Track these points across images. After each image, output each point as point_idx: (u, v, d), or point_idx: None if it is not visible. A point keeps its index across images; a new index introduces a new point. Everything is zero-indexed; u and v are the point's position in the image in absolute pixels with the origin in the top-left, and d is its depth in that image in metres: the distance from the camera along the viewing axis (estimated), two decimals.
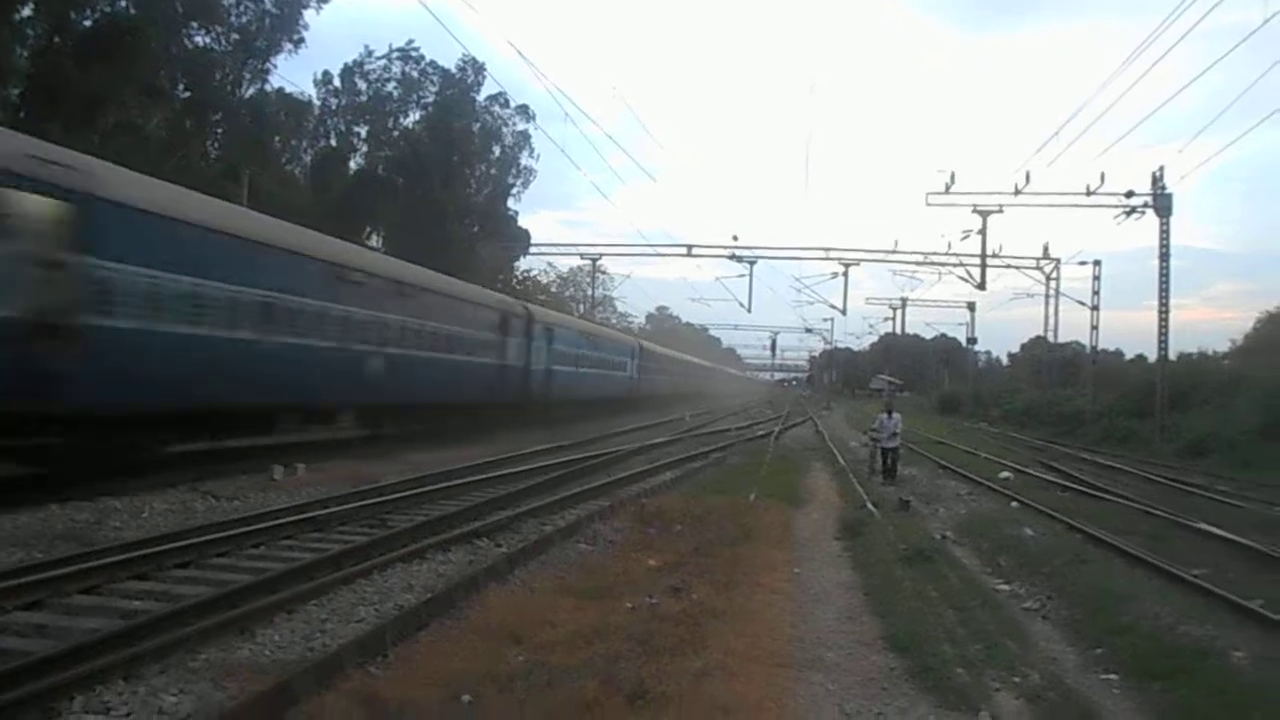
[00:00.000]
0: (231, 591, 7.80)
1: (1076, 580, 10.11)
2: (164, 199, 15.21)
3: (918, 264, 48.62)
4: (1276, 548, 11.91)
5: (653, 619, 7.72)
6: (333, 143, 54.03)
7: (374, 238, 51.16)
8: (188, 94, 39.39)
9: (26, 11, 32.68)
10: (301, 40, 42.98)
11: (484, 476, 16.85)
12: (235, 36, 41.00)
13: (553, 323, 36.18)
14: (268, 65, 42.66)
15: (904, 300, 67.77)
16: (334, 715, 5.47)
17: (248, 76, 42.34)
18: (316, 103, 52.15)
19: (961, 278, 45.18)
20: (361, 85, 55.77)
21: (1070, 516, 14.35)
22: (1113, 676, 7.06)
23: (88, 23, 34.19)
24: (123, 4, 35.13)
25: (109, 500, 12.68)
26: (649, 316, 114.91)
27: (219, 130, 41.34)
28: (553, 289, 73.38)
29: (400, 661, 6.57)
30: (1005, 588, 10.20)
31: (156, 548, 9.33)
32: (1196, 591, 9.69)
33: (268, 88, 43.25)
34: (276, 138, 44.98)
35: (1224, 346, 56.38)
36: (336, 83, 55.24)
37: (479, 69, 55.62)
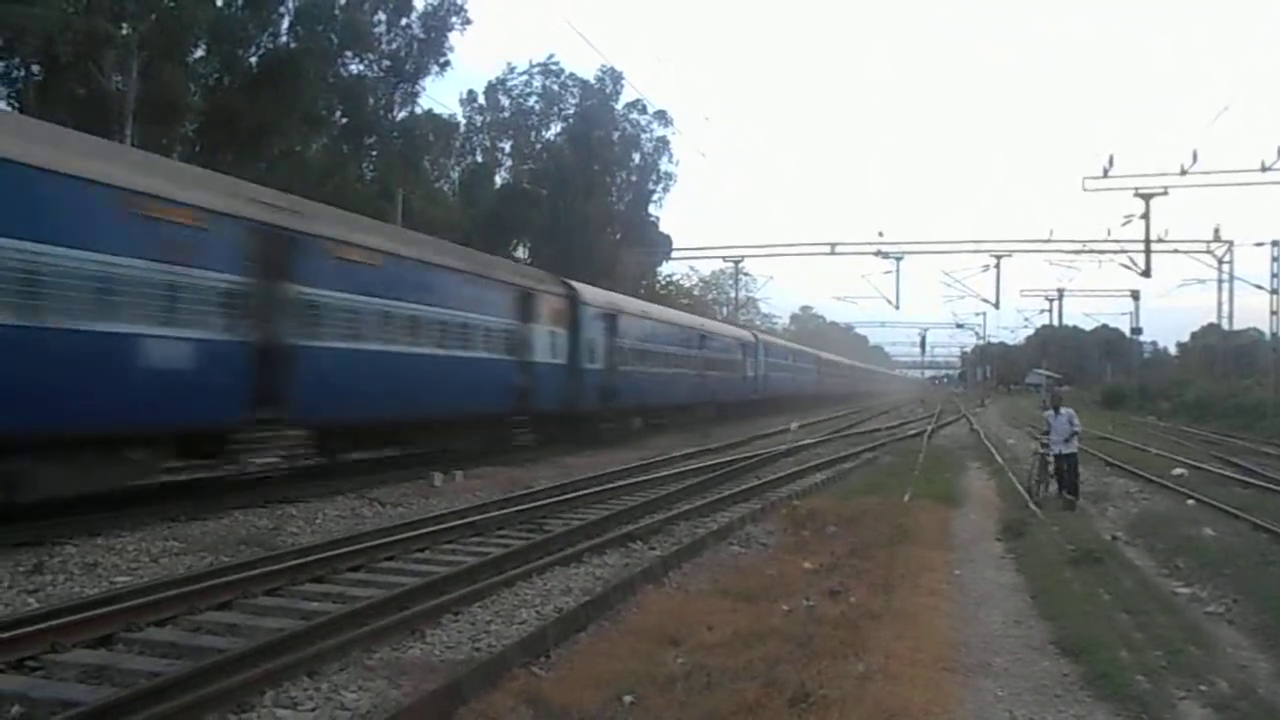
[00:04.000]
0: (401, 594, 8.14)
1: (1265, 583, 9.46)
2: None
3: (1075, 252, 46.39)
4: None
5: (811, 622, 7.65)
6: (479, 159, 55.80)
7: (520, 249, 52.48)
8: (344, 120, 41.39)
9: (199, 53, 35.04)
10: (448, 63, 44.70)
11: (634, 480, 17.05)
12: (386, 63, 42.88)
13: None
14: (417, 88, 44.46)
15: (1061, 291, 64.95)
16: (502, 713, 5.64)
17: (398, 100, 44.18)
18: (462, 121, 53.98)
19: (1124, 265, 42.80)
20: (504, 101, 57.44)
21: (1255, 515, 13.42)
22: None
23: (253, 59, 36.40)
24: (284, 39, 37.29)
25: (286, 507, 13.45)
26: (793, 317, 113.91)
27: (373, 153, 43.25)
28: (695, 292, 73.50)
29: (562, 662, 6.71)
30: (1185, 590, 9.65)
31: (331, 551, 9.84)
32: None
33: (417, 109, 45.03)
34: (426, 157, 46.68)
35: None
36: (481, 100, 57.12)
37: (617, 78, 56.49)
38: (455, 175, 53.24)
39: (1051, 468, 15.97)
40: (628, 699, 5.87)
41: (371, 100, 42.33)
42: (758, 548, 11.62)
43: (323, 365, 14.90)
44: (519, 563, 9.80)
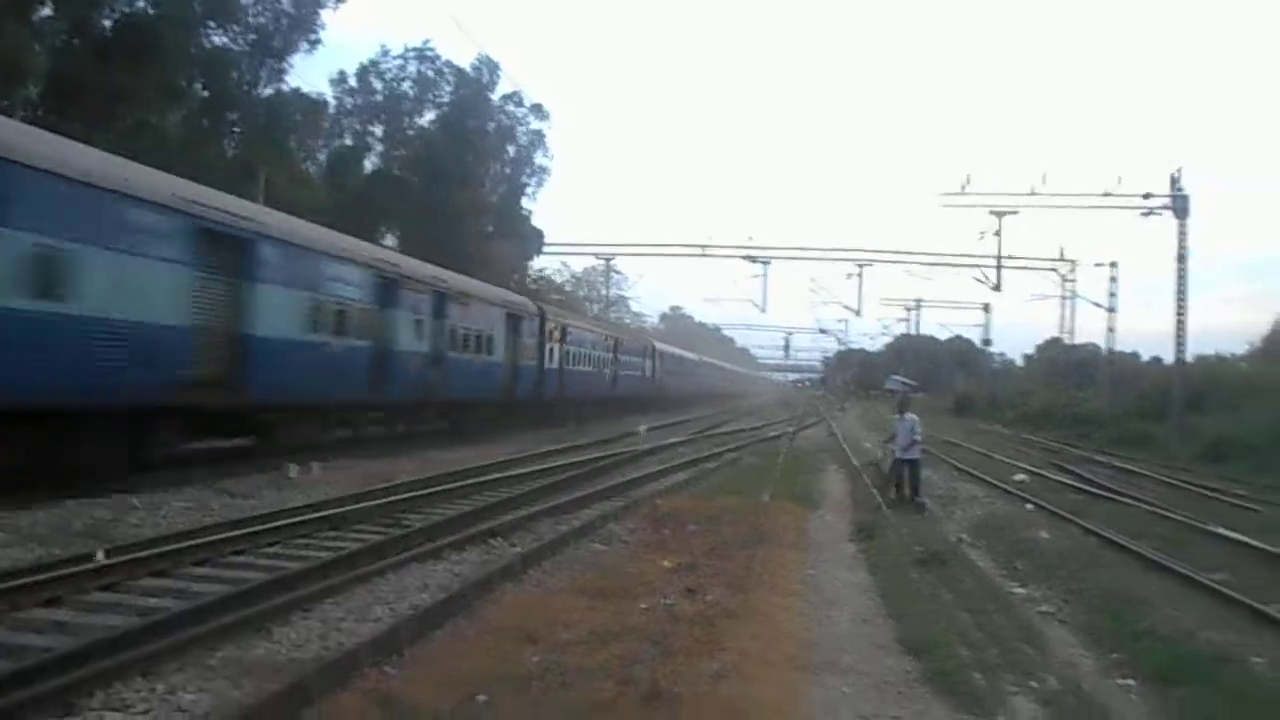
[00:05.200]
0: (248, 590, 7.84)
1: (1093, 584, 10.07)
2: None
3: (933, 265, 48.51)
4: None
5: (668, 620, 7.72)
6: (348, 142, 54.15)
7: (389, 237, 51.30)
8: (205, 93, 39.56)
9: (46, 11, 32.88)
10: (318, 40, 43.11)
11: (499, 476, 16.90)
12: (252, 36, 41.11)
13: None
14: (284, 65, 42.73)
15: (919, 301, 67.69)
16: (350, 714, 5.49)
17: (264, 76, 42.39)
18: (332, 102, 52.28)
19: (977, 279, 45.06)
20: (377, 85, 55.87)
21: (1086, 519, 14.27)
22: (1131, 682, 7.02)
23: (107, 22, 34.38)
24: (141, 4, 35.33)
25: (127, 497, 12.77)
26: (663, 316, 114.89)
27: (236, 130, 41.47)
28: (566, 288, 73.36)
29: (416, 661, 6.58)
30: (1021, 591, 10.16)
31: (174, 545, 9.40)
32: (1214, 596, 9.64)
33: (284, 87, 43.35)
34: (292, 137, 45.03)
35: (1242, 349, 56.00)
36: (352, 82, 55.37)
37: (494, 68, 55.72)
38: (323, 157, 51.60)
39: (892, 472, 16.34)
40: (482, 698, 5.80)
41: (235, 74, 40.54)
42: (619, 545, 11.67)
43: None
44: (375, 558, 9.58)
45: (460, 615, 7.80)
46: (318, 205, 40.48)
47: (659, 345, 58.27)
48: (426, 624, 7.34)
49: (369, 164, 53.19)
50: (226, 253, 15.79)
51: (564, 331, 35.39)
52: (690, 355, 70.38)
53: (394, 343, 21.53)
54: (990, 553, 12.27)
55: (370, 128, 55.71)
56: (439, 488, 14.80)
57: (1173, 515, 15.20)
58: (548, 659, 6.57)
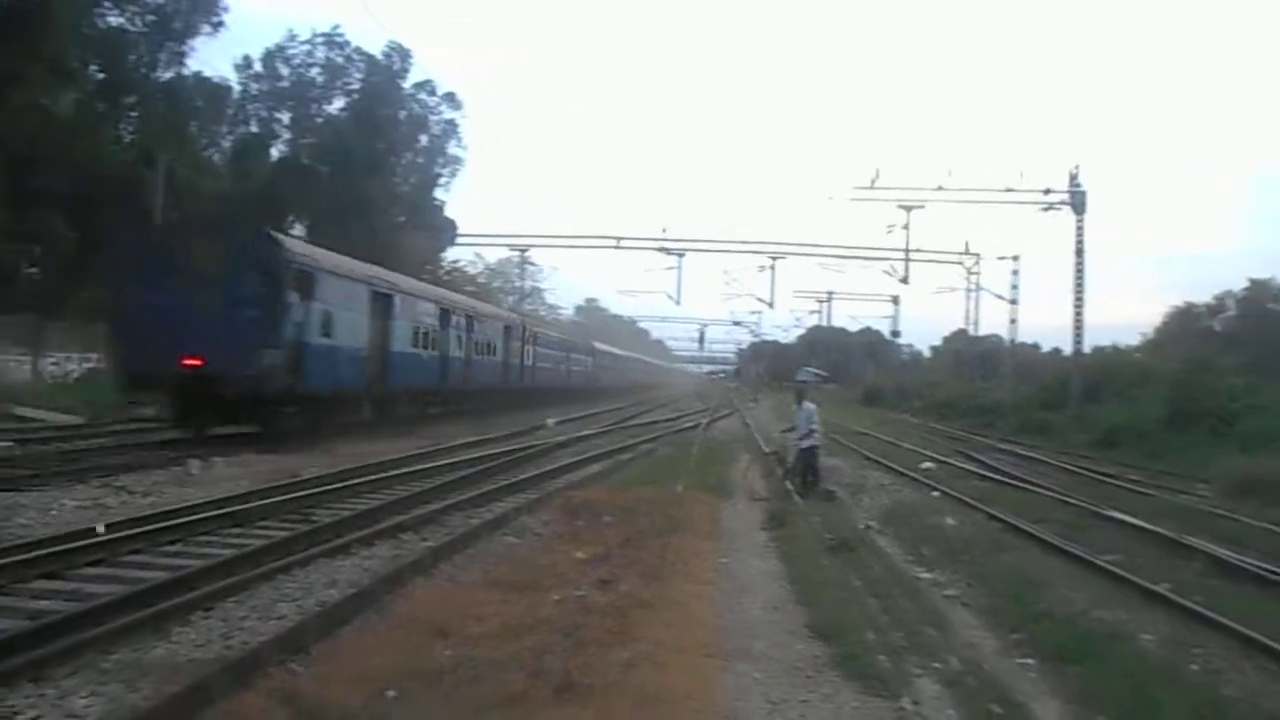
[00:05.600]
0: (146, 590, 7.58)
1: (996, 568, 10.39)
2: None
3: (844, 258, 49.38)
4: (1183, 534, 12.39)
5: (580, 611, 7.70)
6: (254, 129, 52.69)
7: (297, 226, 50.11)
8: (100, 75, 38.07)
9: None
10: (221, 23, 41.90)
11: (410, 469, 16.66)
12: (151, 17, 39.69)
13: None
14: (185, 48, 41.40)
15: (830, 294, 68.83)
16: (253, 714, 5.35)
17: (164, 59, 40.98)
18: (236, 88, 50.85)
19: (886, 272, 46.07)
20: (284, 70, 54.48)
21: (989, 505, 14.70)
22: (1030, 661, 7.26)
23: None
24: None
25: (14, 496, 12.23)
26: (578, 308, 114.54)
27: (133, 114, 40.00)
28: (480, 279, 72.57)
29: (323, 658, 6.45)
30: (927, 576, 10.41)
31: (67, 545, 9.03)
32: (1108, 577, 10.04)
33: (185, 71, 42.01)
34: (194, 123, 43.65)
35: (1137, 340, 58.45)
36: (258, 67, 53.90)
37: (405, 56, 54.87)
38: (227, 145, 50.12)
39: (798, 461, 16.27)
40: (391, 694, 5.71)
41: (133, 57, 39.11)
42: (532, 538, 11.61)
43: None
44: (281, 555, 9.36)
45: (369, 611, 7.68)
46: (222, 193, 39.38)
47: (598, 345, 65.98)
48: (334, 620, 7.20)
49: (276, 152, 51.89)
50: (380, 303, 25.07)
51: (535, 337, 45.20)
52: (621, 352, 78.61)
53: (448, 351, 30.78)
54: (898, 539, 12.54)
55: (277, 115, 54.30)
56: (349, 482, 14.51)
57: (1071, 500, 15.76)
58: (459, 653, 6.49)
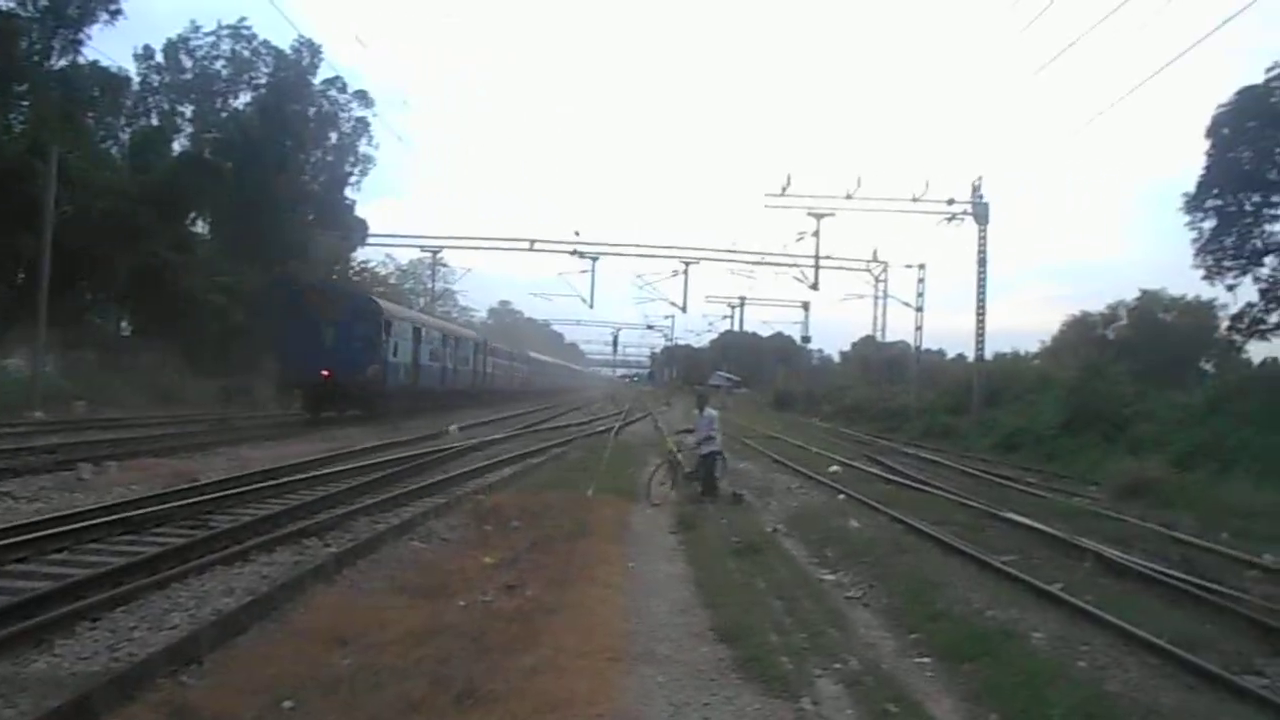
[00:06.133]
0: (27, 600, 7.26)
1: (896, 569, 10.61)
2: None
3: (755, 264, 49.99)
4: (1075, 535, 12.85)
5: (486, 616, 7.65)
6: (154, 121, 50.91)
7: (199, 224, 48.61)
8: None
9: None
10: (119, 11, 40.18)
11: (316, 473, 16.30)
12: (44, 3, 38.04)
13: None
14: (81, 36, 39.66)
15: (742, 299, 69.54)
16: None
17: (57, 47, 39.30)
18: (136, 79, 49.09)
19: (797, 278, 46.75)
20: (187, 62, 52.79)
21: (892, 508, 15.03)
22: (927, 660, 7.44)
23: None
24: None
25: None
26: (491, 311, 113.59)
27: (24, 103, 38.25)
28: (391, 281, 71.40)
29: (217, 669, 6.28)
30: (830, 577, 10.59)
31: None
32: (1004, 577, 10.35)
33: (81, 60, 40.35)
34: (90, 114, 41.98)
35: (1036, 347, 60.40)
36: (159, 58, 52.12)
37: (315, 51, 53.57)
38: (125, 137, 48.33)
39: (699, 466, 16.14)
40: (287, 704, 5.59)
41: (24, 44, 37.40)
42: (439, 543, 11.47)
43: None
44: (176, 562, 9.08)
45: (267, 619, 7.49)
46: (120, 189, 37.96)
47: (531, 353, 77.26)
48: (229, 630, 7.00)
49: (178, 146, 50.09)
50: (415, 333, 36.48)
51: (491, 349, 55.77)
52: (548, 359, 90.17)
53: (446, 362, 42.14)
54: (804, 541, 12.73)
55: (179, 108, 52.64)
56: (250, 486, 14.13)
57: (971, 503, 16.23)
58: (360, 660, 6.38)
